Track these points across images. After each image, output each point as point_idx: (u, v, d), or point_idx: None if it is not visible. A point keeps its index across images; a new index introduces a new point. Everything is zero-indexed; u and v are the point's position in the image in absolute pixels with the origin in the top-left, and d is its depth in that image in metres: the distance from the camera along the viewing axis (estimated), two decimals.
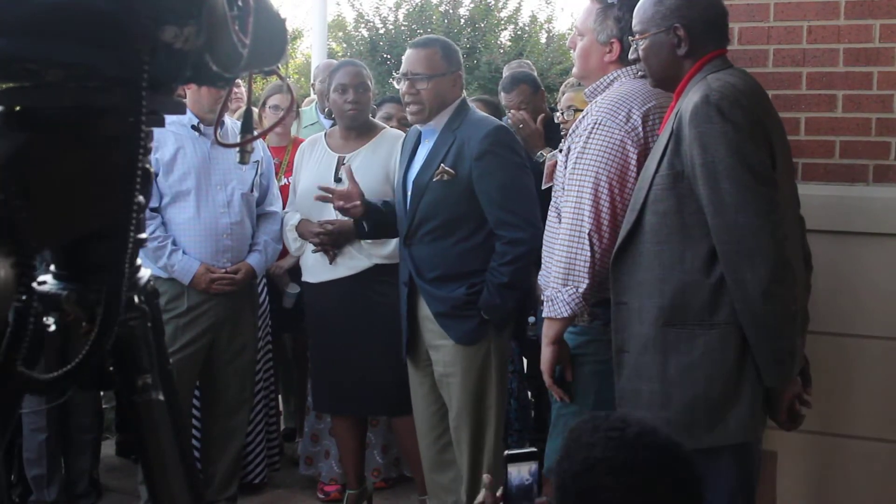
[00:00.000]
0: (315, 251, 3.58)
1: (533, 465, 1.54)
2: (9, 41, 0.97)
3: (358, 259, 3.56)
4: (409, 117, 3.33)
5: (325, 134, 3.83)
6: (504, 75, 5.40)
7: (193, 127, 3.55)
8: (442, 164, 3.12)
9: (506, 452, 1.56)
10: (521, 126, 4.04)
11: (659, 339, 2.27)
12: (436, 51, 3.21)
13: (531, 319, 3.90)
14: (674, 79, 2.36)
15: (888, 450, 2.98)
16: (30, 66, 1.01)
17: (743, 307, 2.17)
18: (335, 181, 3.60)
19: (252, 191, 3.70)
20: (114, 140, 1.14)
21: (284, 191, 4.21)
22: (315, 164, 3.71)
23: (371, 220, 3.33)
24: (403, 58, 3.28)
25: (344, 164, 3.62)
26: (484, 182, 3.09)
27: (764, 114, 2.29)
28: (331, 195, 3.29)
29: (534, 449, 1.57)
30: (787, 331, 2.19)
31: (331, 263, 3.56)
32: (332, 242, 3.55)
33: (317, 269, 3.62)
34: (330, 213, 3.54)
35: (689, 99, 2.24)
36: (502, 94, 4.47)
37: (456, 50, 3.30)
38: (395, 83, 3.30)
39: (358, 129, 3.70)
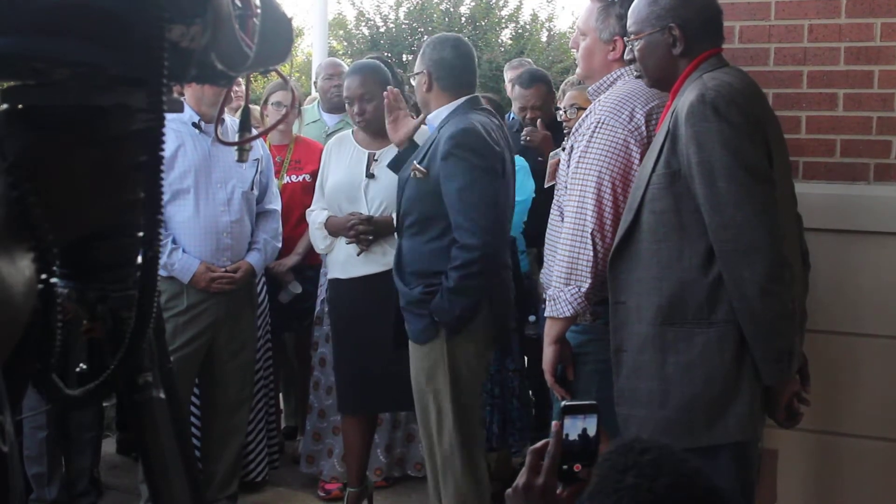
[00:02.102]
0: (349, 243, 3.57)
1: (592, 419, 1.48)
2: (14, 39, 0.97)
3: (391, 255, 3.55)
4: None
5: (353, 131, 3.84)
6: (506, 73, 5.41)
7: (194, 124, 3.54)
8: (414, 162, 3.12)
9: (563, 403, 1.50)
10: (528, 139, 4.06)
11: (657, 338, 2.27)
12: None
13: (532, 318, 3.90)
14: (670, 78, 2.36)
15: (889, 448, 2.98)
16: (36, 65, 1.01)
17: (741, 305, 2.17)
18: (367, 177, 3.62)
19: (252, 189, 3.69)
20: (121, 139, 1.14)
21: (287, 189, 4.22)
22: (345, 160, 3.71)
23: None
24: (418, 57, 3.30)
25: (375, 160, 3.64)
26: (445, 184, 3.03)
27: (760, 112, 2.29)
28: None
29: (593, 402, 1.51)
30: (785, 329, 2.19)
31: (358, 255, 3.55)
32: (372, 235, 3.56)
33: (349, 264, 3.61)
34: (361, 209, 3.56)
35: (685, 98, 2.24)
36: (518, 88, 4.41)
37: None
38: (412, 80, 3.32)
39: (379, 130, 3.70)
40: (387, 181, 3.58)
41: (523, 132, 4.17)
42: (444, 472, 3.14)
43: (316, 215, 3.75)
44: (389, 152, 3.61)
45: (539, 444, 1.47)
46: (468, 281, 2.99)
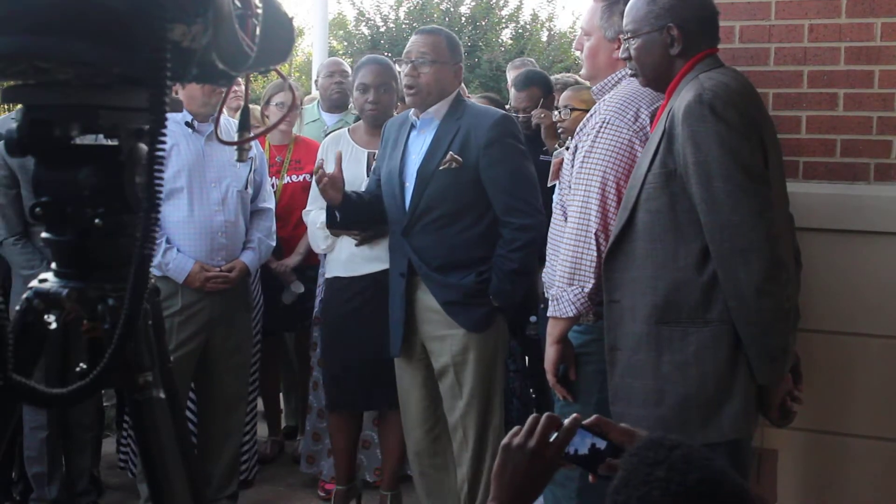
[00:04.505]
0: (358, 244, 3.55)
1: (589, 435, 1.51)
2: (17, 38, 0.97)
3: None
4: (407, 101, 3.33)
5: (349, 130, 3.83)
6: (508, 73, 5.40)
7: (187, 123, 3.52)
8: (450, 153, 3.15)
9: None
10: (542, 116, 4.09)
11: (652, 337, 2.27)
12: (441, 39, 3.28)
13: (533, 318, 3.90)
14: (665, 78, 2.36)
15: (889, 448, 2.98)
16: (39, 64, 1.01)
17: (736, 305, 2.17)
18: (367, 177, 3.61)
19: (247, 188, 3.68)
20: (122, 138, 1.14)
21: (287, 189, 4.21)
22: (343, 159, 3.70)
23: (344, 210, 3.33)
24: (408, 43, 3.32)
25: (375, 159, 3.62)
26: (493, 170, 3.14)
27: (756, 112, 2.29)
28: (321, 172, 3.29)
29: (575, 415, 1.54)
30: (780, 328, 2.19)
31: (357, 245, 3.55)
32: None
33: (351, 263, 3.59)
34: None
35: (682, 98, 2.23)
36: (513, 90, 4.47)
37: (459, 44, 3.37)
38: (398, 66, 3.33)
39: (382, 126, 3.69)
40: None
41: (533, 113, 4.23)
42: (492, 456, 3.18)
43: (315, 215, 3.71)
44: None
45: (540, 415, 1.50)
46: (529, 260, 3.07)
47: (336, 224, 3.40)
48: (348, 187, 3.62)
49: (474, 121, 3.18)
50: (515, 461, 1.47)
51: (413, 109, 3.32)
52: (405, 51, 3.28)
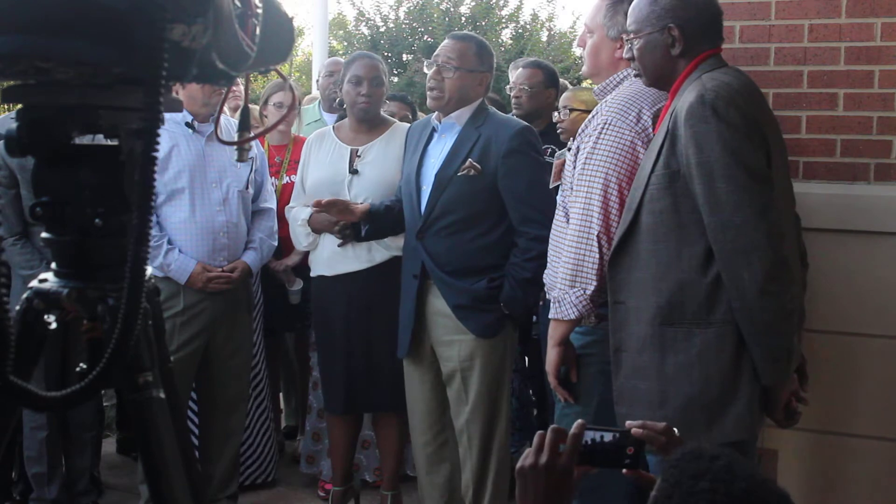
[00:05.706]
0: (341, 244, 3.54)
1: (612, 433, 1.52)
2: (17, 38, 0.97)
3: (377, 250, 3.55)
4: (428, 103, 3.33)
5: (333, 127, 3.81)
6: (510, 73, 5.41)
7: (187, 124, 3.51)
8: (469, 160, 3.17)
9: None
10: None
11: (656, 338, 2.26)
12: (470, 46, 3.28)
13: (533, 318, 3.90)
14: (668, 78, 2.36)
15: (891, 448, 2.98)
16: (39, 64, 1.01)
17: (740, 305, 2.17)
18: (350, 173, 3.60)
19: (248, 188, 3.67)
20: (122, 138, 1.13)
21: (287, 189, 4.21)
22: (326, 156, 3.68)
23: (372, 222, 3.36)
24: (439, 46, 3.34)
25: (358, 156, 3.61)
26: (511, 179, 3.15)
27: (759, 112, 2.29)
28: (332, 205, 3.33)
29: (579, 420, 1.55)
30: (784, 329, 2.19)
31: (339, 246, 3.55)
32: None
33: (334, 261, 3.59)
34: None
35: (685, 98, 2.23)
36: (520, 69, 4.45)
37: (491, 53, 3.36)
38: (424, 67, 3.34)
39: (369, 122, 3.69)
40: (370, 177, 3.58)
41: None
42: (497, 461, 3.27)
43: (297, 212, 3.70)
44: (372, 148, 3.61)
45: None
46: (542, 270, 3.07)
47: (363, 239, 3.43)
48: (330, 184, 3.62)
49: (495, 130, 3.19)
50: (533, 481, 1.46)
51: (436, 113, 3.32)
52: (434, 53, 3.30)
